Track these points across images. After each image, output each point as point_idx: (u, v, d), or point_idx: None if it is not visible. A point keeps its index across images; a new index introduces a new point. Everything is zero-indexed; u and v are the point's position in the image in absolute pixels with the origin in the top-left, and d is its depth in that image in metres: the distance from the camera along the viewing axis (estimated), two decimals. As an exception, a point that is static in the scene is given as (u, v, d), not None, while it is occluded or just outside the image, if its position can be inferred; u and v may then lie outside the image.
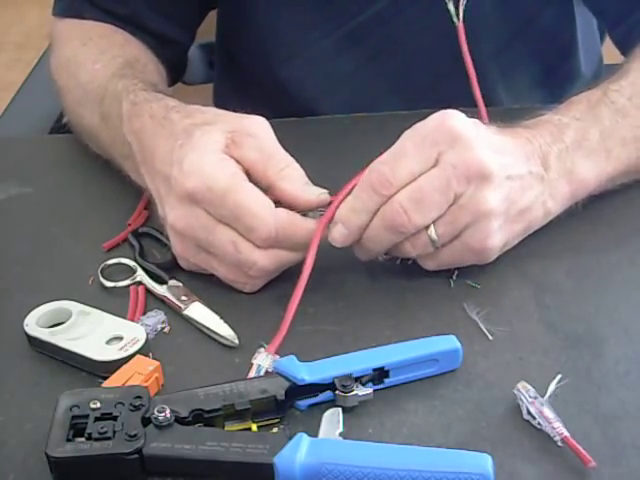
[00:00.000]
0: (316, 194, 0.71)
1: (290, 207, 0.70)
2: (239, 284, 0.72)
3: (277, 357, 0.65)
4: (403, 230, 0.68)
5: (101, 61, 0.90)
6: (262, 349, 0.65)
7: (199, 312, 0.70)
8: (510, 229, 0.71)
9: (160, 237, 0.78)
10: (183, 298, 0.72)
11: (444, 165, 0.67)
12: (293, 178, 0.71)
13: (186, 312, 0.71)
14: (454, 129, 0.67)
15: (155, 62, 0.96)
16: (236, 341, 0.68)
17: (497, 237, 0.70)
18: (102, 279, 0.74)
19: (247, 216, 0.68)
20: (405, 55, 1.00)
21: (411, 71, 1.01)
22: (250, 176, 0.70)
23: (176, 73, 1.02)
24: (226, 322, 0.69)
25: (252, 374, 0.64)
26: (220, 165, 0.69)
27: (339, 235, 0.70)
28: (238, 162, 0.70)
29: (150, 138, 0.75)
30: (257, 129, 0.72)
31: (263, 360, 0.64)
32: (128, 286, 0.74)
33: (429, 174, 0.67)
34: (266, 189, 0.70)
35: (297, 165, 0.72)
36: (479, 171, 0.67)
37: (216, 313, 0.70)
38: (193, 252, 0.72)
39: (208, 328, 0.69)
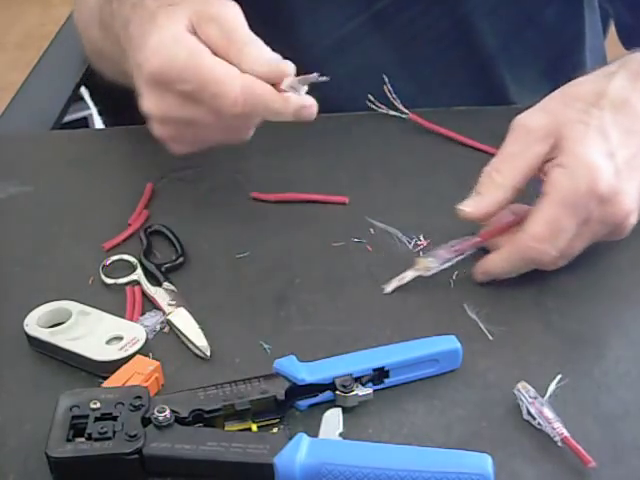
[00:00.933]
0: (275, 66, 0.70)
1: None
2: (235, 141, 0.74)
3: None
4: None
5: None
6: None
7: (180, 319, 0.70)
8: None
9: (170, 237, 0.78)
10: (170, 302, 0.72)
11: (594, 224, 0.69)
12: (254, 56, 0.70)
13: (169, 317, 0.71)
14: (604, 192, 0.67)
15: None
16: (208, 353, 0.67)
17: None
18: (103, 276, 0.75)
19: (211, 84, 0.68)
20: (419, 45, 1.01)
21: (425, 60, 1.01)
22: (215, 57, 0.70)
23: None
24: (204, 331, 0.69)
25: None
26: (179, 40, 0.69)
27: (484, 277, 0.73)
28: (201, 41, 0.70)
29: (128, 27, 0.75)
30: (223, 11, 0.72)
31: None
32: (126, 284, 0.74)
33: (581, 236, 0.69)
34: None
35: (260, 42, 0.71)
36: (624, 218, 0.69)
37: (216, 315, 0.70)
38: (177, 133, 0.73)
39: (185, 335, 0.69)
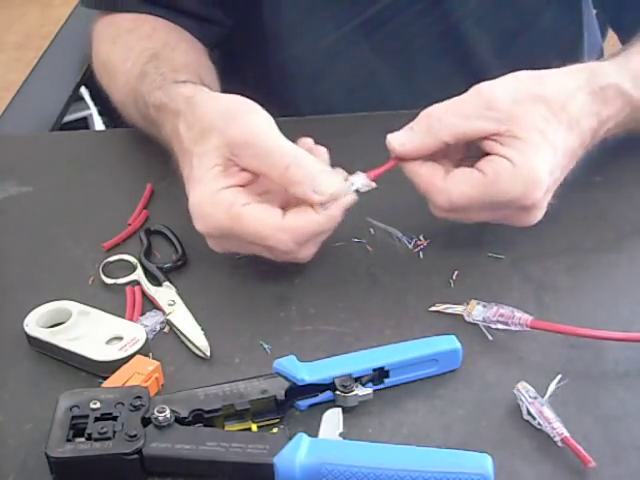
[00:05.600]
0: (327, 194, 0.69)
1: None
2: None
3: (373, 184, 0.71)
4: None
5: (130, 59, 0.90)
6: (359, 172, 0.71)
7: (180, 319, 0.70)
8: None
9: (171, 237, 0.78)
10: (170, 302, 0.72)
11: (499, 216, 0.73)
12: (298, 181, 0.69)
13: (169, 317, 0.71)
14: (528, 204, 0.70)
15: (190, 40, 0.94)
16: (208, 353, 0.67)
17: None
18: (103, 276, 0.75)
19: (260, 240, 0.69)
20: (411, 52, 1.01)
21: (418, 66, 1.01)
22: (262, 180, 0.71)
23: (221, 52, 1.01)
24: (204, 331, 0.69)
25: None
26: (217, 204, 0.69)
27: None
28: (245, 170, 0.70)
29: (175, 141, 0.77)
30: (250, 134, 0.70)
31: (358, 179, 0.71)
32: (126, 284, 0.74)
33: (481, 216, 0.73)
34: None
35: (300, 159, 0.69)
36: (529, 223, 0.73)
37: (216, 315, 0.70)
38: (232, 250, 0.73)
39: (185, 335, 0.69)
